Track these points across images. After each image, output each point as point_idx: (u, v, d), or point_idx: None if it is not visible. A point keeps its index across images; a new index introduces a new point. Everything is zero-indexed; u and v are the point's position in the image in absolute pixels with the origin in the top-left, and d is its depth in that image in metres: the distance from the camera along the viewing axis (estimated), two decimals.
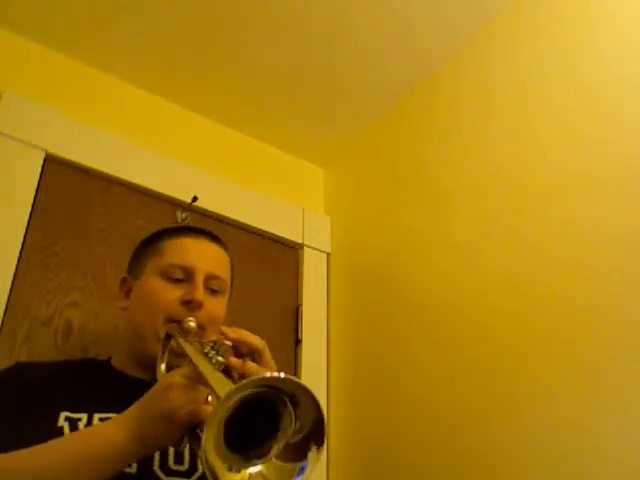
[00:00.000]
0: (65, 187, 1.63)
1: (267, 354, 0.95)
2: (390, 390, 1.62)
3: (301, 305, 1.89)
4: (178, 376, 0.88)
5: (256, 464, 0.77)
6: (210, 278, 1.14)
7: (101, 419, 1.00)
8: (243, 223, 1.89)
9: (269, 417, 0.78)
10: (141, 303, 1.13)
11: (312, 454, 0.78)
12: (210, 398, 0.85)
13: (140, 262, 1.18)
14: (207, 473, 0.73)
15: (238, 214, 1.88)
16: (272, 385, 0.75)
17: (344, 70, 1.83)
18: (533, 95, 1.48)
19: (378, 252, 1.83)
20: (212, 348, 0.92)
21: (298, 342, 1.83)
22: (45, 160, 1.60)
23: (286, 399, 0.76)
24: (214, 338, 0.94)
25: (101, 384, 1.10)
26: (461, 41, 1.72)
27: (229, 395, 0.72)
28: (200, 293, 1.11)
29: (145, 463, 0.95)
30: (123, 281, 1.21)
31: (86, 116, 1.71)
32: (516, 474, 1.25)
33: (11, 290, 1.43)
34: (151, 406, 0.87)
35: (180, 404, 0.84)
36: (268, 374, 0.76)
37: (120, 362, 1.15)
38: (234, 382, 0.84)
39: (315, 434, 0.78)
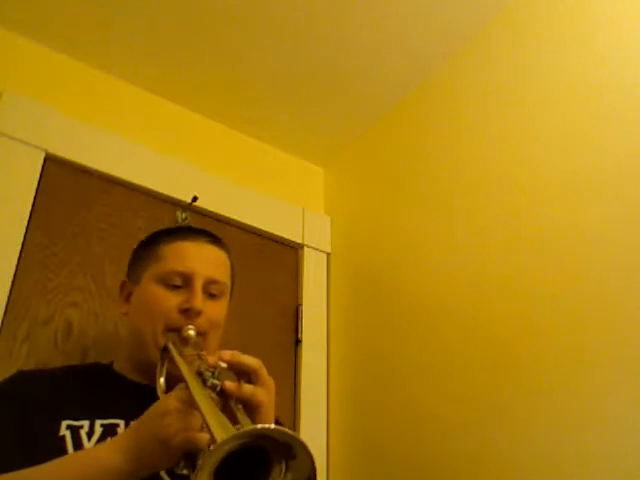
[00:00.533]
0: (65, 187, 1.63)
1: (263, 374, 0.94)
2: (390, 390, 1.62)
3: (301, 305, 1.89)
4: (174, 400, 0.87)
5: None
6: (209, 283, 1.13)
7: (103, 425, 1.00)
8: (243, 223, 1.88)
9: (261, 462, 0.76)
10: (141, 310, 1.13)
11: None
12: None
13: (139, 267, 1.17)
14: None
15: (238, 214, 1.88)
16: (267, 435, 0.74)
17: (344, 70, 1.83)
18: (533, 95, 1.48)
19: (378, 252, 1.83)
20: (207, 369, 0.91)
21: (298, 342, 1.83)
22: (45, 160, 1.60)
23: (280, 449, 0.74)
24: (211, 361, 0.93)
25: (103, 389, 1.10)
26: (461, 41, 1.72)
27: (220, 445, 0.71)
28: (199, 300, 1.09)
29: None
30: (123, 285, 1.20)
31: (86, 116, 1.71)
32: (516, 475, 1.25)
33: (11, 290, 1.43)
34: (147, 431, 0.86)
35: (175, 431, 0.83)
36: (260, 426, 0.74)
37: (122, 367, 1.15)
38: (226, 415, 0.82)
39: None
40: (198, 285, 1.11)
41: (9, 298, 1.42)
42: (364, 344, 1.77)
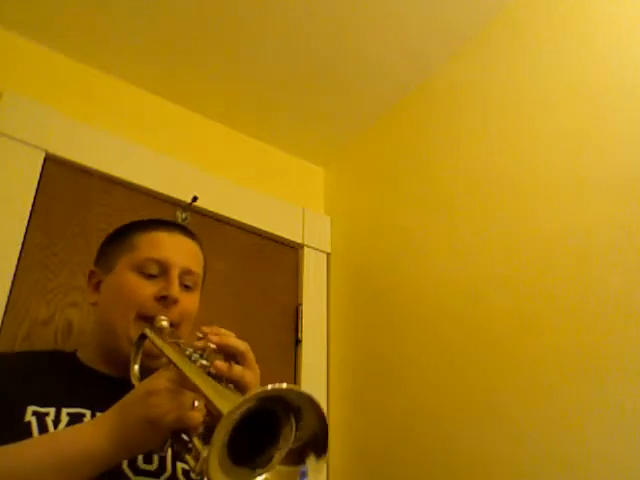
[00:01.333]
0: (65, 187, 1.63)
1: (250, 356, 0.93)
2: (390, 390, 1.62)
3: (301, 305, 1.89)
4: (163, 379, 0.85)
5: (261, 474, 0.76)
6: (185, 273, 1.12)
7: (69, 414, 0.98)
8: (243, 223, 1.89)
9: (269, 424, 0.76)
10: (113, 298, 1.11)
11: (312, 461, 0.76)
12: (197, 403, 0.83)
13: (111, 255, 1.15)
14: None
15: (238, 214, 1.88)
16: (276, 396, 0.73)
17: (344, 70, 1.83)
18: (532, 95, 1.48)
19: (378, 252, 1.83)
20: (195, 351, 0.89)
21: (298, 342, 1.83)
22: (45, 160, 1.60)
23: (287, 408, 0.74)
24: (198, 344, 0.91)
25: (69, 378, 1.07)
26: (460, 41, 1.72)
27: (233, 411, 0.70)
28: (176, 289, 1.08)
29: None
30: (92, 274, 1.18)
31: (86, 116, 1.71)
32: (516, 475, 1.25)
33: (11, 290, 1.43)
34: (135, 411, 0.84)
35: (166, 410, 0.82)
36: (271, 386, 0.72)
37: (87, 356, 1.12)
38: (227, 389, 0.82)
39: (317, 441, 0.76)
40: (174, 274, 1.10)
41: (9, 298, 1.42)
42: (364, 344, 1.77)
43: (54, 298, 1.50)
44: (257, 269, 1.89)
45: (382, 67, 1.81)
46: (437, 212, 1.66)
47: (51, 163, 1.61)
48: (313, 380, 1.79)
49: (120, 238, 1.18)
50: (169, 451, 0.98)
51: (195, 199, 1.72)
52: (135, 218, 1.64)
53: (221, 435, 0.70)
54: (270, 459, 0.76)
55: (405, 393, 1.57)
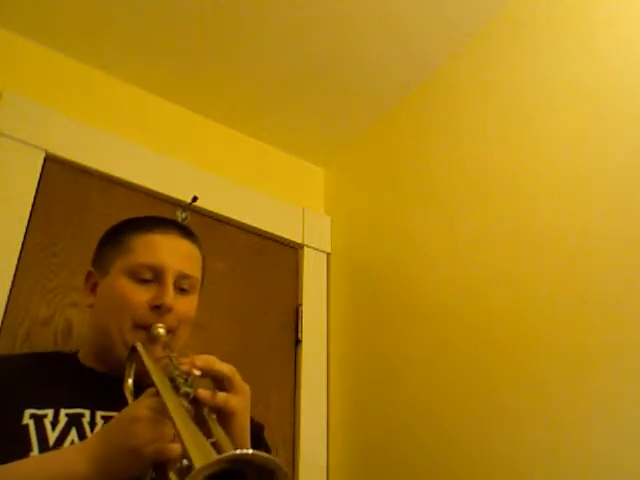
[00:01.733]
0: (65, 187, 1.63)
1: (237, 380, 0.92)
2: (390, 390, 1.62)
3: (301, 305, 1.89)
4: (144, 408, 0.84)
5: None
6: (180, 277, 1.10)
7: (67, 415, 0.98)
8: (243, 223, 1.88)
9: None
10: (108, 304, 1.09)
11: None
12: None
13: (106, 257, 1.14)
14: None
15: (238, 214, 1.88)
16: (247, 460, 0.72)
17: (344, 70, 1.83)
18: (533, 95, 1.48)
19: (378, 252, 1.83)
20: (180, 376, 0.88)
21: (298, 342, 1.83)
22: (45, 160, 1.60)
23: (260, 472, 0.72)
24: (184, 367, 0.90)
25: (68, 379, 1.07)
26: (460, 41, 1.72)
27: (197, 473, 0.68)
28: (169, 297, 1.06)
29: None
30: (89, 275, 1.16)
31: (86, 116, 1.71)
32: (516, 475, 1.25)
33: (11, 290, 1.43)
34: (116, 439, 0.84)
35: (145, 441, 0.81)
36: (239, 451, 0.71)
37: (87, 357, 1.12)
38: (202, 423, 0.80)
39: None
40: (169, 280, 1.07)
41: (9, 298, 1.42)
42: (364, 344, 1.76)
43: (54, 298, 1.50)
44: (257, 269, 1.89)
45: (382, 67, 1.81)
46: (437, 212, 1.66)
47: (51, 163, 1.61)
48: (313, 380, 1.79)
49: (115, 239, 1.16)
50: None
51: (195, 199, 1.71)
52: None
53: None
54: None
55: (405, 393, 1.57)
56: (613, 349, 1.15)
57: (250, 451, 0.72)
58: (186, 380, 0.87)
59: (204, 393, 0.87)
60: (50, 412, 0.97)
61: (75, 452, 0.87)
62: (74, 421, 0.97)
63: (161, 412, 0.83)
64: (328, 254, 2.01)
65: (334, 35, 1.73)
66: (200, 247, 1.19)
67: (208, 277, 1.22)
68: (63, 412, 0.98)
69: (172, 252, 1.11)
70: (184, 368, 0.90)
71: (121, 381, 1.00)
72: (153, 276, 1.08)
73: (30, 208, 1.53)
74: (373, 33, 1.72)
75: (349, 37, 1.73)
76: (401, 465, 1.50)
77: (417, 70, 1.82)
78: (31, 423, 0.95)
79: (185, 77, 1.86)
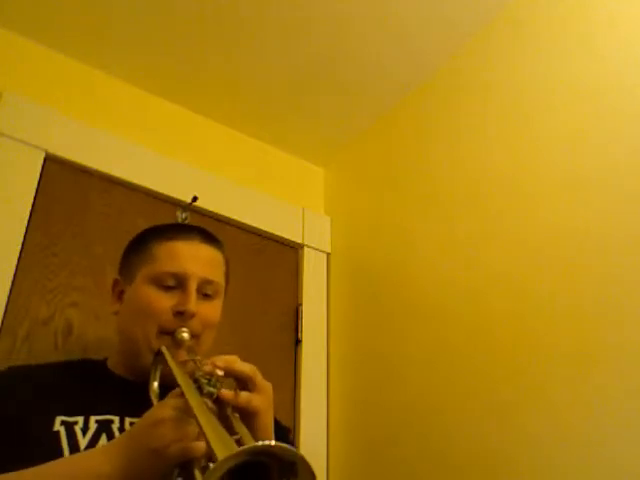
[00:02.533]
0: (65, 187, 1.63)
1: (259, 379, 0.94)
2: (390, 390, 1.62)
3: (301, 305, 1.89)
4: (168, 409, 0.85)
5: None
6: (203, 283, 1.12)
7: (97, 421, 0.99)
8: (243, 223, 1.88)
9: (262, 476, 0.74)
10: (133, 311, 1.11)
11: None
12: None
13: (132, 266, 1.16)
14: None
15: (238, 214, 1.88)
16: (268, 452, 0.72)
17: (344, 70, 1.83)
18: (533, 95, 1.48)
19: (378, 252, 1.83)
20: (203, 377, 0.89)
21: (298, 342, 1.83)
22: (45, 160, 1.60)
23: (282, 464, 0.73)
24: (207, 368, 0.91)
25: (97, 386, 1.09)
26: (461, 41, 1.72)
27: (223, 461, 0.69)
28: (192, 303, 1.08)
29: None
30: (115, 283, 1.19)
31: (86, 116, 1.71)
32: (515, 475, 1.25)
33: (11, 290, 1.43)
34: (140, 440, 0.85)
35: (170, 441, 0.82)
36: (261, 443, 0.72)
37: (115, 364, 1.14)
38: (226, 422, 0.81)
39: None
40: (192, 286, 1.10)
41: (9, 298, 1.42)
42: (364, 344, 1.76)
43: (54, 298, 1.50)
44: (257, 269, 1.89)
45: (382, 67, 1.81)
46: (437, 212, 1.66)
47: (51, 163, 1.61)
48: (313, 380, 1.79)
49: (139, 247, 1.17)
50: None
51: (195, 199, 1.72)
52: (135, 218, 1.65)
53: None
54: None
55: (405, 393, 1.57)
56: (613, 349, 1.15)
57: (272, 442, 0.72)
58: (209, 381, 0.89)
59: (227, 393, 0.89)
60: (80, 419, 0.99)
61: (100, 453, 0.88)
62: (104, 427, 0.99)
63: (185, 412, 0.84)
64: (328, 254, 2.01)
65: (334, 35, 1.73)
66: (224, 252, 1.21)
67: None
68: (93, 419, 1.00)
69: (195, 259, 1.13)
70: (207, 369, 0.91)
71: (148, 386, 1.01)
72: (176, 283, 1.10)
73: (30, 208, 1.53)
74: (373, 33, 1.72)
75: (349, 37, 1.73)
76: (401, 465, 1.50)
77: (417, 70, 1.81)
78: (62, 430, 0.97)
79: (185, 77, 1.86)
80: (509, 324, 1.36)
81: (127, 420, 1.01)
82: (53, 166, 1.62)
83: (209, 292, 1.13)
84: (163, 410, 0.86)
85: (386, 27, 1.70)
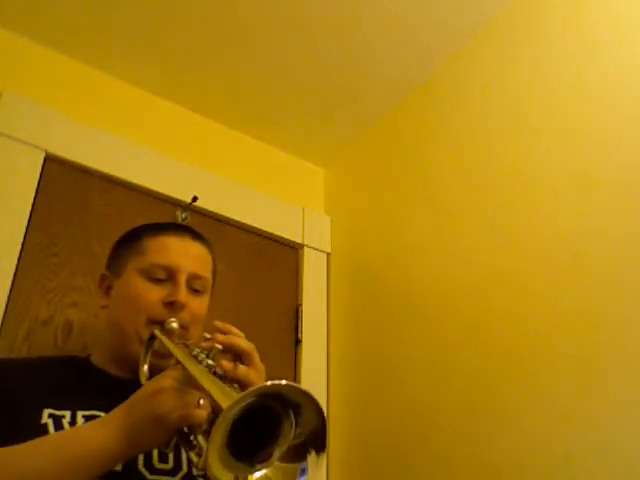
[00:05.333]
0: (65, 187, 1.63)
1: (256, 357, 0.95)
2: (390, 390, 1.62)
3: (301, 305, 1.89)
4: (169, 379, 0.87)
5: (260, 469, 0.77)
6: (193, 278, 1.13)
7: (84, 417, 0.99)
8: (243, 223, 1.89)
9: (269, 421, 0.77)
10: (123, 303, 1.12)
11: (312, 457, 0.77)
12: (202, 401, 0.84)
13: (121, 260, 1.16)
14: None
15: (238, 214, 1.88)
16: (275, 393, 0.74)
17: (344, 70, 1.83)
18: (533, 95, 1.48)
19: (378, 252, 1.83)
20: (202, 352, 0.91)
21: (298, 342, 1.83)
22: (45, 160, 1.60)
23: (287, 405, 0.75)
24: (205, 344, 0.93)
25: (82, 382, 1.08)
26: (461, 41, 1.72)
27: (232, 406, 0.71)
28: (183, 294, 1.09)
29: (130, 461, 0.95)
30: (103, 278, 1.19)
31: (86, 116, 1.71)
32: (514, 474, 1.25)
33: (11, 290, 1.43)
34: (141, 409, 0.86)
35: (171, 408, 0.83)
36: (270, 383, 0.74)
37: (101, 360, 1.14)
38: (228, 386, 0.83)
39: (317, 438, 0.77)
40: (182, 279, 1.11)
41: (9, 298, 1.42)
42: (364, 344, 1.77)
43: (54, 298, 1.50)
44: (257, 269, 1.89)
45: (382, 67, 1.81)
46: (437, 212, 1.66)
47: (51, 163, 1.61)
48: (313, 380, 1.79)
49: (129, 242, 1.19)
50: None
51: (195, 199, 1.72)
52: (135, 218, 1.65)
53: (221, 429, 0.71)
54: (270, 455, 0.77)
55: (405, 393, 1.57)
56: (613, 349, 1.15)
57: (279, 381, 0.74)
58: (208, 355, 0.90)
59: (227, 364, 0.90)
60: (67, 413, 0.99)
61: (98, 427, 0.88)
62: None
63: (185, 382, 0.86)
64: (328, 254, 2.01)
65: (334, 35, 1.73)
66: (212, 250, 1.22)
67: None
68: (80, 414, 1.00)
69: (184, 253, 1.14)
70: (205, 344, 0.93)
71: (136, 384, 1.01)
72: (166, 275, 1.11)
73: (30, 208, 1.53)
74: (373, 33, 1.72)
75: (349, 37, 1.73)
76: (401, 464, 1.50)
77: (417, 70, 1.82)
78: (50, 422, 0.96)
79: (185, 77, 1.86)
80: (510, 324, 1.36)
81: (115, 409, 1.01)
82: (53, 166, 1.62)
83: (198, 287, 1.14)
84: (163, 380, 0.87)
85: (386, 27, 1.70)
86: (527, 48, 1.55)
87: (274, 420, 0.77)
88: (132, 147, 1.75)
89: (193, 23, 1.70)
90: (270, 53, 1.79)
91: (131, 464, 0.95)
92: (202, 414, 0.83)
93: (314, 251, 1.99)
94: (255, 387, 0.74)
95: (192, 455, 0.85)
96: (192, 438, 0.85)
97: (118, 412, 0.89)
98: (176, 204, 1.76)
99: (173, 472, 0.99)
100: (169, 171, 1.79)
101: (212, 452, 0.71)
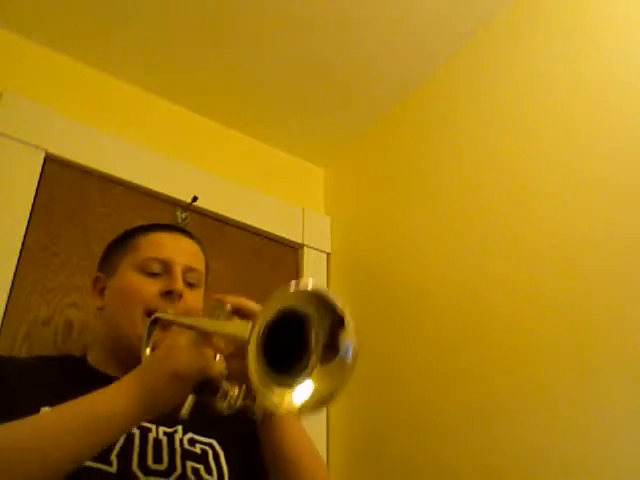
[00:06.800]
0: (65, 187, 1.63)
1: None
2: (390, 390, 1.62)
3: None
4: (183, 336, 0.87)
5: (303, 381, 0.78)
6: (188, 270, 1.13)
7: None
8: (243, 223, 1.88)
9: (296, 331, 0.78)
10: (118, 299, 1.12)
11: (346, 334, 0.80)
12: (218, 357, 0.85)
13: (113, 259, 1.17)
14: (268, 405, 0.74)
15: (238, 214, 1.88)
16: (290, 305, 0.77)
17: (344, 70, 1.83)
18: (533, 96, 1.48)
19: (378, 252, 1.83)
20: (212, 314, 0.90)
21: None
22: (45, 160, 1.60)
23: (304, 313, 0.77)
24: (214, 304, 0.92)
25: (79, 382, 1.06)
26: (461, 41, 1.72)
27: (265, 313, 0.74)
28: (180, 283, 1.10)
29: (124, 462, 0.94)
30: (96, 280, 1.19)
31: (86, 116, 1.71)
32: (514, 472, 1.25)
33: (11, 290, 1.43)
34: (156, 367, 0.85)
35: (188, 361, 0.83)
36: (292, 286, 0.77)
37: (97, 360, 1.13)
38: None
39: (340, 321, 0.80)
40: (178, 271, 1.11)
41: (9, 298, 1.42)
42: (364, 344, 1.76)
43: (54, 298, 1.50)
44: (257, 269, 1.89)
45: (382, 67, 1.81)
46: (437, 212, 1.66)
47: (51, 163, 1.61)
48: None
49: (121, 242, 1.19)
50: (179, 450, 1.01)
51: (195, 199, 1.72)
52: (135, 218, 1.65)
53: (255, 341, 0.72)
54: (308, 363, 0.78)
55: (405, 393, 1.57)
56: (613, 349, 1.15)
57: (308, 282, 0.77)
58: (218, 316, 0.90)
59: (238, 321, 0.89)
60: None
61: (113, 391, 0.87)
62: None
63: (198, 340, 0.85)
64: (328, 254, 2.01)
65: (334, 35, 1.73)
66: (203, 249, 1.23)
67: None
68: None
69: (178, 248, 1.15)
70: (215, 304, 0.92)
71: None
72: (161, 269, 1.12)
73: (30, 208, 1.53)
74: (373, 33, 1.72)
75: (349, 37, 1.73)
76: (401, 464, 1.50)
77: (417, 70, 1.82)
78: None
79: (185, 77, 1.86)
80: (510, 324, 1.36)
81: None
82: (53, 166, 1.62)
83: (192, 281, 1.14)
84: (178, 337, 0.87)
85: (386, 27, 1.70)
86: (527, 48, 1.55)
87: (301, 327, 0.78)
88: (132, 147, 1.75)
89: (193, 23, 1.70)
90: (270, 53, 1.79)
91: (125, 465, 0.94)
92: (220, 365, 0.84)
93: (314, 251, 1.99)
94: (274, 296, 0.78)
95: (218, 400, 0.84)
96: (213, 387, 0.85)
97: (132, 375, 0.88)
98: (176, 204, 1.76)
99: (167, 473, 0.98)
100: (169, 171, 1.79)
101: (253, 370, 0.71)
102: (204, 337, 0.86)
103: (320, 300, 0.78)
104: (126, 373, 1.05)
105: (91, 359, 1.15)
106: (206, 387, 0.86)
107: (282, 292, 0.77)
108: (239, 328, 0.79)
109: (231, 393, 0.83)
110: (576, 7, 1.45)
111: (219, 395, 0.84)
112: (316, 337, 0.78)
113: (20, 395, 0.99)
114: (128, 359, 1.06)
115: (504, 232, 1.44)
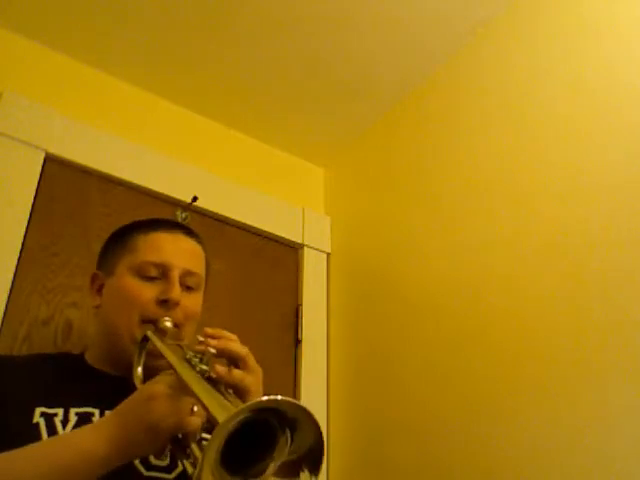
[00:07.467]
0: (65, 187, 1.63)
1: (251, 360, 0.93)
2: (390, 390, 1.62)
3: (301, 305, 1.89)
4: (162, 384, 0.86)
5: None
6: (186, 274, 1.11)
7: (77, 414, 0.98)
8: (243, 223, 1.88)
9: (265, 435, 0.75)
10: (115, 302, 1.10)
11: (306, 475, 0.74)
12: (195, 408, 0.83)
13: (112, 258, 1.15)
14: None
15: (238, 214, 1.88)
16: (272, 408, 0.72)
17: (344, 70, 1.83)
18: (532, 96, 1.48)
19: (378, 252, 1.83)
20: (195, 356, 0.89)
21: (298, 342, 1.83)
22: (45, 160, 1.60)
23: (284, 420, 0.73)
24: (198, 348, 0.91)
25: (76, 379, 1.08)
26: (461, 41, 1.72)
27: (226, 422, 0.69)
28: (176, 292, 1.08)
29: None
30: (94, 277, 1.18)
31: (86, 116, 1.71)
32: (514, 474, 1.25)
33: (11, 290, 1.43)
34: (133, 416, 0.85)
35: (164, 415, 0.82)
36: (266, 398, 0.71)
37: (94, 358, 1.13)
38: (222, 395, 0.81)
39: (313, 456, 0.74)
40: (175, 276, 1.09)
41: (9, 298, 1.42)
42: (364, 344, 1.76)
43: (54, 298, 1.50)
44: (257, 269, 1.89)
45: (382, 67, 1.81)
46: (437, 212, 1.66)
47: (51, 163, 1.61)
48: (313, 380, 1.79)
49: (120, 240, 1.17)
50: None
51: (195, 199, 1.72)
52: (135, 218, 1.65)
53: (215, 443, 0.69)
54: (264, 470, 0.75)
55: (405, 393, 1.57)
56: (613, 349, 1.15)
57: (274, 397, 0.71)
58: (201, 359, 0.88)
59: (221, 369, 0.88)
60: (60, 411, 0.98)
61: (89, 433, 0.87)
62: (84, 420, 0.98)
63: (178, 388, 0.84)
64: (328, 254, 2.01)
65: (334, 35, 1.73)
66: (204, 247, 1.20)
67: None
68: (73, 411, 0.99)
69: (177, 250, 1.13)
70: (199, 348, 0.91)
71: (128, 381, 1.00)
72: (159, 273, 1.10)
73: (30, 208, 1.53)
74: (373, 33, 1.72)
75: (349, 37, 1.73)
76: (401, 465, 1.50)
77: (417, 70, 1.82)
78: (42, 422, 0.96)
79: (185, 77, 1.86)
80: (510, 324, 1.36)
81: (107, 413, 0.99)
82: (53, 166, 1.62)
83: (191, 284, 1.12)
84: (156, 386, 0.86)
85: (386, 27, 1.70)
86: (527, 48, 1.55)
87: (270, 434, 0.74)
88: (132, 147, 1.75)
89: (193, 23, 1.70)
90: (270, 53, 1.79)
91: None
92: (196, 421, 0.82)
93: (314, 251, 1.99)
94: (251, 402, 0.72)
95: (187, 464, 0.84)
96: (186, 446, 0.84)
97: (111, 417, 0.88)
98: (176, 204, 1.76)
99: (169, 469, 0.98)
100: (169, 171, 1.79)
101: (206, 468, 0.69)
102: (184, 385, 0.84)
103: (308, 430, 0.72)
104: (121, 371, 1.05)
105: (89, 356, 1.14)
106: (181, 442, 0.84)
107: (255, 403, 0.72)
108: (215, 407, 0.76)
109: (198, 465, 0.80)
110: (576, 7, 1.45)
111: (190, 459, 0.83)
112: (281, 450, 0.74)
113: (12, 396, 0.98)
114: (122, 359, 1.06)
115: (504, 232, 1.44)
